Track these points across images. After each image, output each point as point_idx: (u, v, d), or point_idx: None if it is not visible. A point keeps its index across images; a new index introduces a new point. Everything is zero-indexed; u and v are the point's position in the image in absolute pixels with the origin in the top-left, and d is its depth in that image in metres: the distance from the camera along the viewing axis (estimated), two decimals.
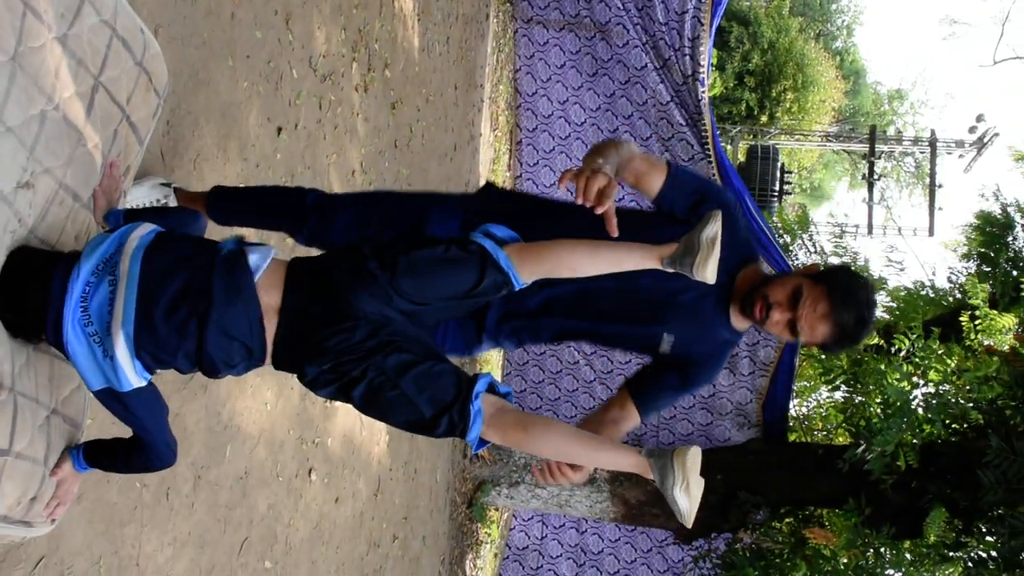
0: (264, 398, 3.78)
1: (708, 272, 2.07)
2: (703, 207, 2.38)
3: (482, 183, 8.58)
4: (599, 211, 2.15)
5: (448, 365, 2.03)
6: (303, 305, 1.96)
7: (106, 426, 2.42)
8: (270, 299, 1.96)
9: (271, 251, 2.02)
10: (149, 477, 2.90)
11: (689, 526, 2.23)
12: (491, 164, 8.66)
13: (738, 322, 2.51)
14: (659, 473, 2.07)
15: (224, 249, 1.97)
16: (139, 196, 2.74)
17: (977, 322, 6.11)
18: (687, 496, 2.08)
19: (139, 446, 2.02)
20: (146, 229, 1.94)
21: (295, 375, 2.04)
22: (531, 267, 2.10)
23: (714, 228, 2.08)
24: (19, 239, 1.88)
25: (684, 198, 2.45)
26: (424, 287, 2.01)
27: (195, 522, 3.23)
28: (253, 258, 1.97)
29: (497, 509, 8.39)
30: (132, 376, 1.85)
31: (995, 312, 6.17)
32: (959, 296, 7.85)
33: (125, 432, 2.09)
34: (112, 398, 1.88)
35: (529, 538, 8.09)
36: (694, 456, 2.07)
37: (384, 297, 1.97)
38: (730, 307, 2.48)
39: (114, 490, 2.73)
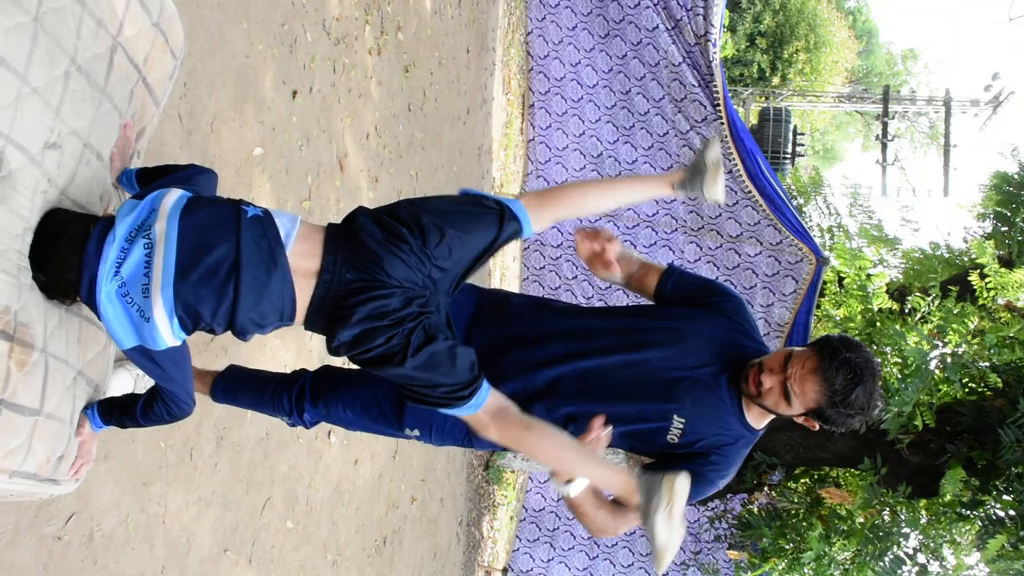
0: (283, 360, 3.81)
1: (718, 190, 2.16)
2: (710, 294, 2.45)
3: (494, 147, 8.49)
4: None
5: (469, 349, 2.07)
6: (340, 271, 1.98)
7: None
8: (308, 263, 1.99)
9: (297, 217, 2.06)
10: (173, 437, 2.93)
11: (661, 570, 2.08)
12: (504, 128, 8.63)
13: (752, 416, 2.42)
14: (645, 494, 2.06)
15: (250, 213, 1.99)
16: (120, 384, 2.54)
17: (987, 279, 6.09)
18: (668, 525, 2.04)
19: (161, 397, 2.05)
20: (177, 194, 1.96)
21: (324, 336, 2.06)
22: (550, 211, 2.17)
23: (716, 150, 2.16)
24: (51, 200, 1.89)
25: (691, 281, 2.51)
26: (451, 245, 2.04)
27: (218, 482, 3.27)
28: (283, 225, 2.00)
29: (513, 472, 8.46)
30: (168, 337, 1.88)
31: (1005, 270, 6.13)
32: (974, 256, 7.80)
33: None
34: (143, 355, 1.90)
35: (545, 500, 8.14)
36: (683, 484, 2.05)
37: (416, 263, 2.00)
38: (742, 398, 2.40)
39: (140, 449, 2.76)
